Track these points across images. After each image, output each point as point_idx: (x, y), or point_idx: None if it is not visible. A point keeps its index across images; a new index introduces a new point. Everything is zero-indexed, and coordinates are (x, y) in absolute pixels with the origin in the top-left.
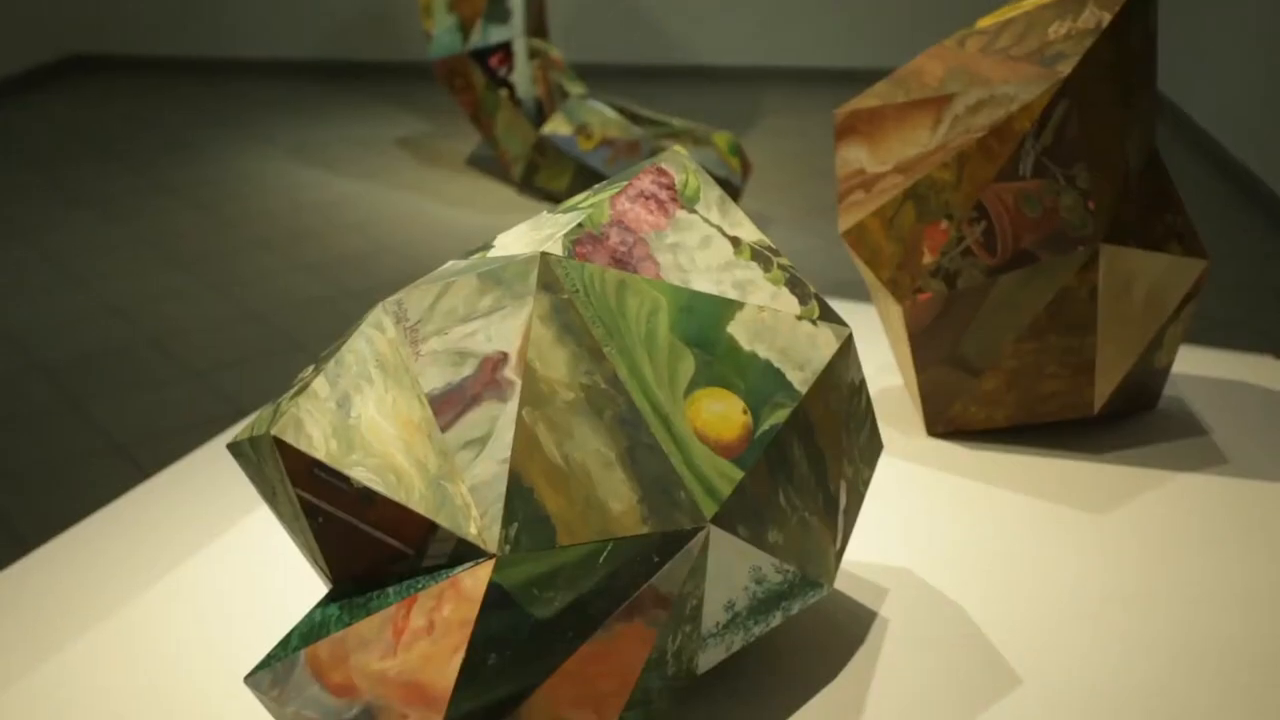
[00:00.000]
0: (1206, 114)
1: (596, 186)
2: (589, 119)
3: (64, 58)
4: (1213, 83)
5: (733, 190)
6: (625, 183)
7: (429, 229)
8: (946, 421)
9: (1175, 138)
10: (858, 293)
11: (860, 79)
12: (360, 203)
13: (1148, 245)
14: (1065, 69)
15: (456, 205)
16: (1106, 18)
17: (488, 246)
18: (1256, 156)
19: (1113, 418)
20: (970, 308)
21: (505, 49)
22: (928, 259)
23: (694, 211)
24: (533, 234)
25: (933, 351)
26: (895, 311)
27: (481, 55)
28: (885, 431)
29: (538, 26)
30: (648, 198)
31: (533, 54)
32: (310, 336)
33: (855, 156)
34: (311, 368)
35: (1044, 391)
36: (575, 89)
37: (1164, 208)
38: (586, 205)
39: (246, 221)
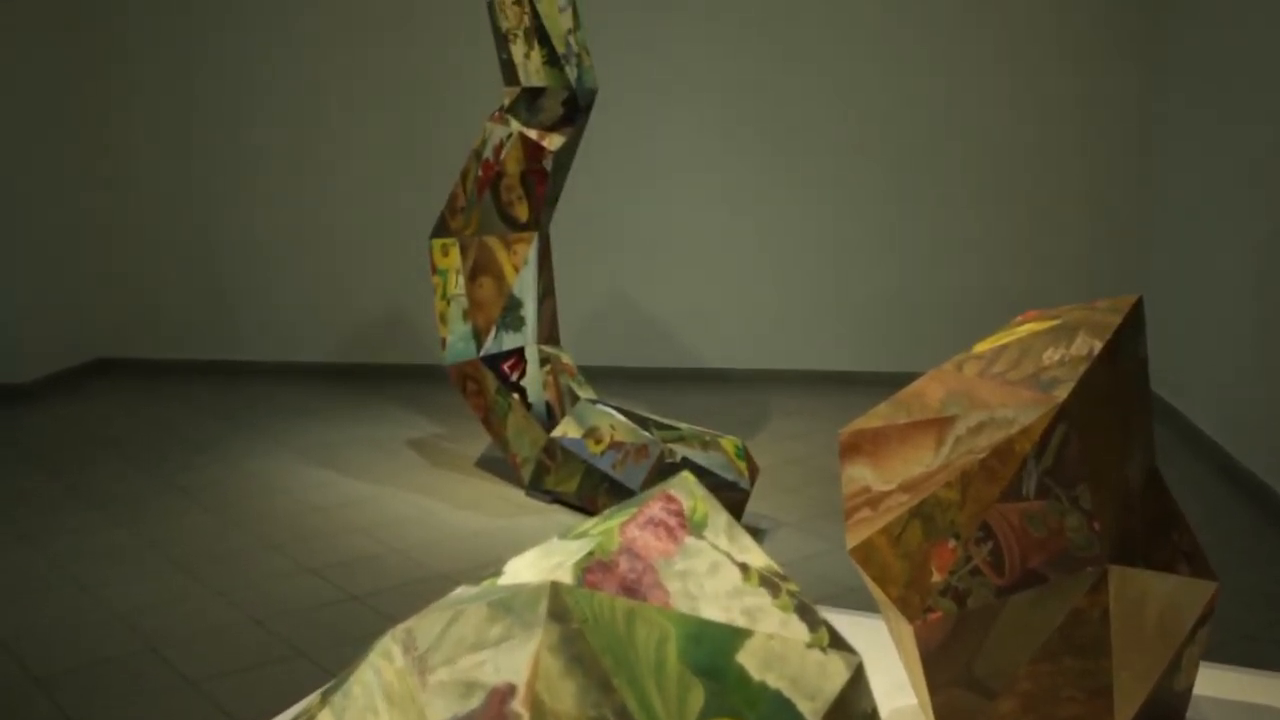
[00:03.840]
0: (1207, 418)
1: (606, 512)
2: (598, 423)
3: (89, 361)
4: (1211, 386)
5: (741, 494)
6: (635, 509)
7: (437, 532)
8: None
9: (1177, 443)
10: (866, 601)
11: (863, 382)
12: (369, 505)
13: (1155, 566)
14: (1062, 394)
15: (465, 508)
16: (1098, 345)
17: (498, 573)
18: (1260, 460)
19: None
20: (981, 628)
21: (518, 355)
22: (936, 578)
23: (702, 538)
24: (543, 561)
25: (945, 672)
26: (906, 631)
27: (494, 361)
28: None
29: (550, 333)
30: (657, 524)
31: (544, 360)
32: (311, 643)
33: (860, 475)
34: (319, 695)
35: (1062, 716)
36: (585, 393)
37: (1169, 526)
38: (596, 532)
39: (254, 523)
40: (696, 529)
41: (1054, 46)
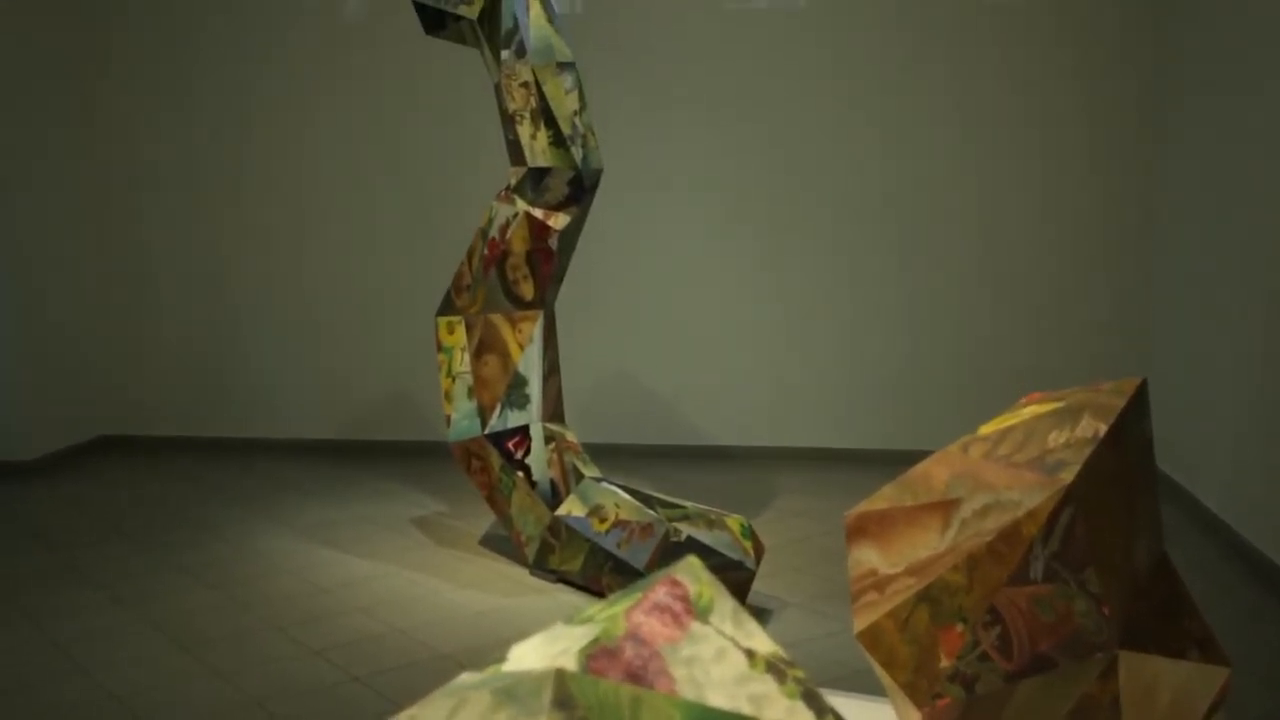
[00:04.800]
0: (1216, 497)
1: (611, 597)
2: (603, 501)
3: (92, 439)
4: (1219, 464)
5: (746, 574)
6: (640, 594)
7: (440, 611)
8: None
9: (1186, 522)
10: (874, 684)
11: (867, 460)
12: (372, 585)
13: (1166, 651)
14: (1068, 476)
15: (468, 587)
16: (1103, 427)
17: (502, 659)
18: (1271, 540)
19: None
20: (991, 714)
21: (523, 433)
22: (944, 663)
23: (708, 623)
24: (547, 647)
25: None
26: (914, 717)
27: (499, 438)
28: None
29: (554, 411)
30: (662, 610)
31: (549, 438)
32: None
33: (867, 558)
34: None
35: None
36: (589, 471)
37: (1179, 612)
38: (602, 618)
39: (257, 604)
40: (702, 614)
41: (1058, 128)
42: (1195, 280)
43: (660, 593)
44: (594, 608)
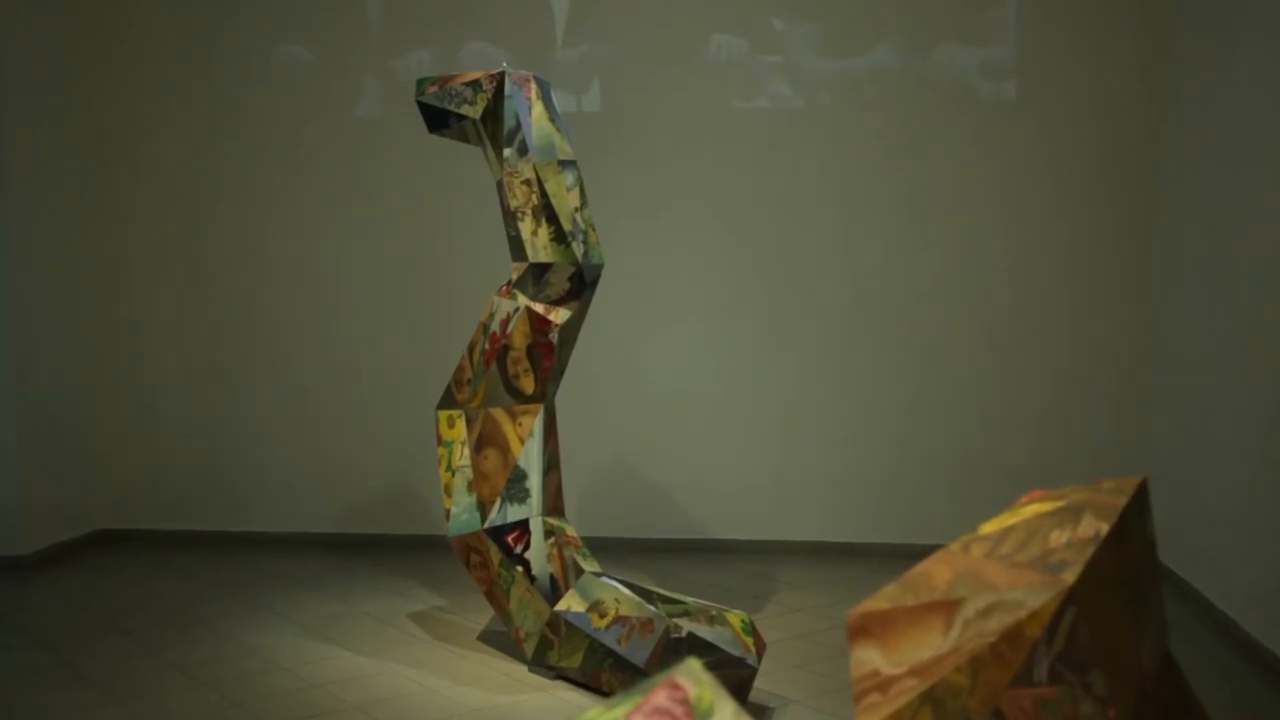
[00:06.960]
0: (1223, 594)
1: (611, 699)
2: (603, 596)
3: (89, 533)
4: (1225, 560)
5: (748, 671)
6: (639, 698)
7: (437, 710)
8: None
9: (1192, 620)
10: None
11: (869, 554)
12: (368, 681)
13: None
14: (1070, 577)
15: (466, 685)
16: (1105, 527)
17: None
18: (1277, 636)
19: None
20: None
21: (522, 527)
22: None
23: None
24: None
25: None
26: None
27: (498, 533)
28: None
29: (554, 505)
30: (662, 713)
31: (549, 532)
32: None
33: (869, 658)
34: None
35: None
36: (589, 566)
37: (1186, 713)
38: None
39: (251, 702)
40: (703, 718)
41: (1054, 226)
42: (1195, 372)
43: (660, 696)
44: (593, 711)
